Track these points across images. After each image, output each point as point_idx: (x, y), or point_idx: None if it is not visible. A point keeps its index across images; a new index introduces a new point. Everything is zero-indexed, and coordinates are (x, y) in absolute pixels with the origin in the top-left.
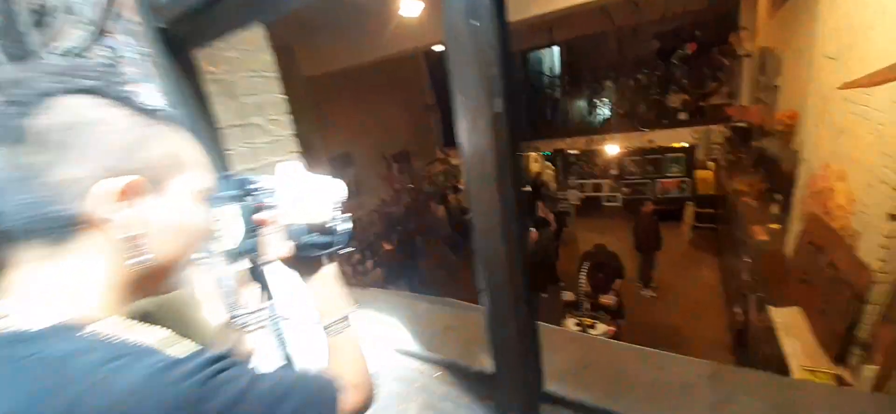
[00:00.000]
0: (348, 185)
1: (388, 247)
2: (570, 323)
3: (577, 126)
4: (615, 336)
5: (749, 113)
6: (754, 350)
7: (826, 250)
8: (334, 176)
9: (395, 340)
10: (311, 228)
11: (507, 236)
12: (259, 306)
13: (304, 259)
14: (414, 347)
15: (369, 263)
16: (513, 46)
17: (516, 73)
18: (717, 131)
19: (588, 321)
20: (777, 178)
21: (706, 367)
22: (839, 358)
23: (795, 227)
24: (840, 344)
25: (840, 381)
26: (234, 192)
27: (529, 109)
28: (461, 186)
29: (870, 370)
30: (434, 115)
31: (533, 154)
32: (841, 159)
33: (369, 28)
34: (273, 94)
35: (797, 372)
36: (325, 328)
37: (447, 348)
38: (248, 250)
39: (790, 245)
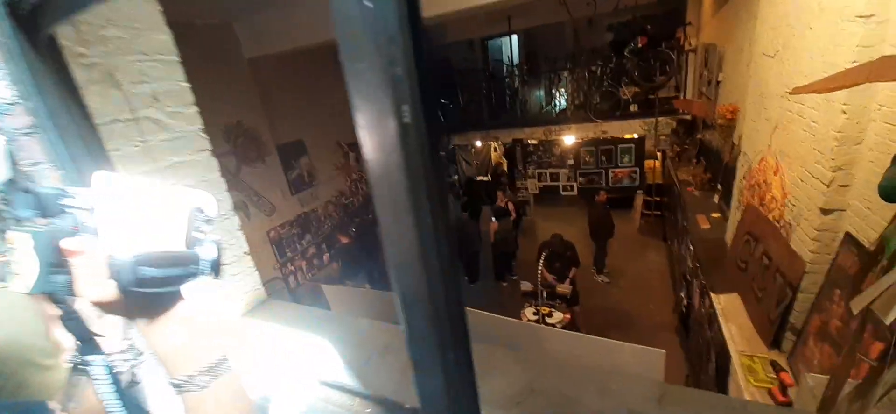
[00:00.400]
0: (302, 175)
1: (344, 240)
2: (529, 312)
3: (535, 116)
4: (570, 323)
5: (693, 106)
6: (698, 334)
7: (762, 240)
8: (287, 166)
9: (322, 367)
10: (155, 260)
11: (428, 276)
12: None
13: (144, 299)
14: (344, 375)
15: (326, 257)
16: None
17: (442, 70)
18: (665, 123)
19: (545, 310)
20: (718, 169)
21: (655, 389)
22: (774, 343)
23: (735, 217)
24: (775, 330)
25: (775, 366)
26: (29, 212)
27: (488, 98)
28: None
29: (812, 379)
30: None
31: (493, 143)
32: (776, 154)
33: (317, 4)
34: (173, 82)
35: (736, 357)
36: (177, 386)
37: (381, 377)
38: (52, 290)
39: (730, 233)
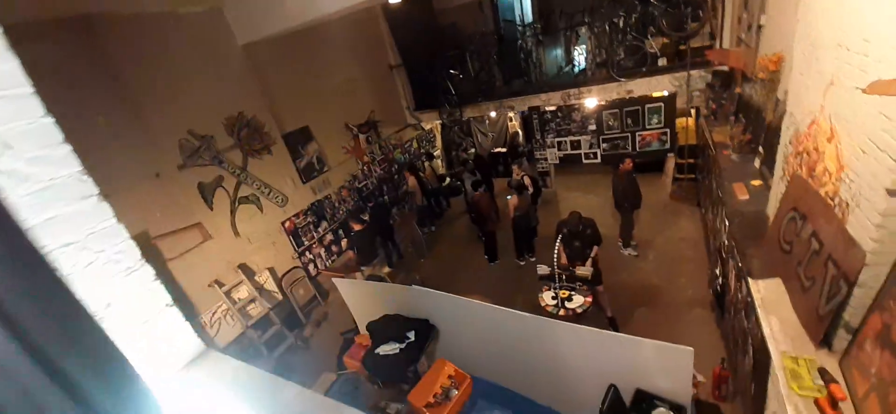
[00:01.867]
0: (312, 162)
1: (357, 227)
2: (547, 297)
3: (552, 80)
4: (593, 306)
5: (730, 57)
6: (734, 319)
7: (811, 219)
8: (295, 154)
9: None
10: None
11: None
12: None
13: None
14: None
15: (344, 242)
16: None
17: (449, 37)
18: (698, 77)
19: (564, 294)
20: (759, 130)
21: None
22: (824, 342)
23: (779, 188)
24: (825, 327)
25: (823, 374)
26: None
27: (501, 63)
28: (435, 152)
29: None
30: (400, 76)
31: (509, 112)
32: (830, 116)
33: None
34: (28, 121)
35: (777, 358)
36: None
37: None
38: None
39: (773, 207)
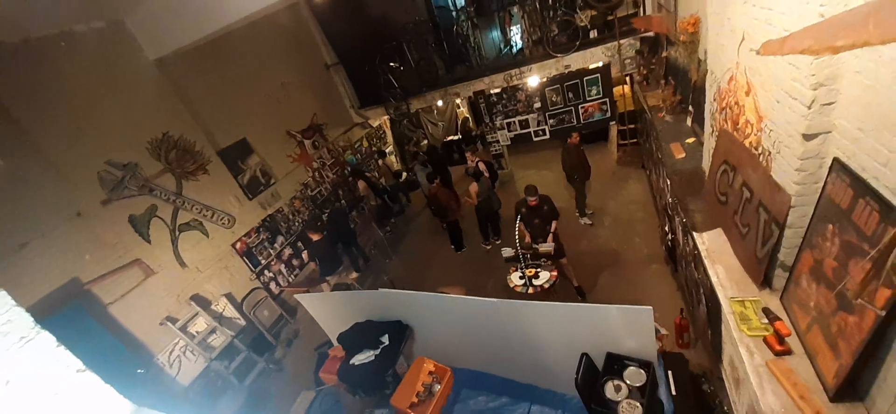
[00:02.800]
0: (256, 176)
1: (315, 237)
2: (515, 277)
3: (493, 63)
4: (560, 279)
5: (653, 22)
6: (685, 271)
7: (740, 170)
8: (235, 170)
9: None
10: None
11: None
12: None
13: None
14: None
15: (305, 254)
16: None
17: (383, 29)
18: (628, 45)
19: (531, 272)
20: (687, 89)
21: None
22: (765, 282)
23: (710, 143)
24: (764, 269)
25: (767, 312)
26: None
27: (441, 51)
28: (387, 149)
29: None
30: (339, 75)
31: (455, 99)
32: (745, 71)
33: None
34: None
35: (726, 304)
36: None
37: None
38: None
39: (706, 162)
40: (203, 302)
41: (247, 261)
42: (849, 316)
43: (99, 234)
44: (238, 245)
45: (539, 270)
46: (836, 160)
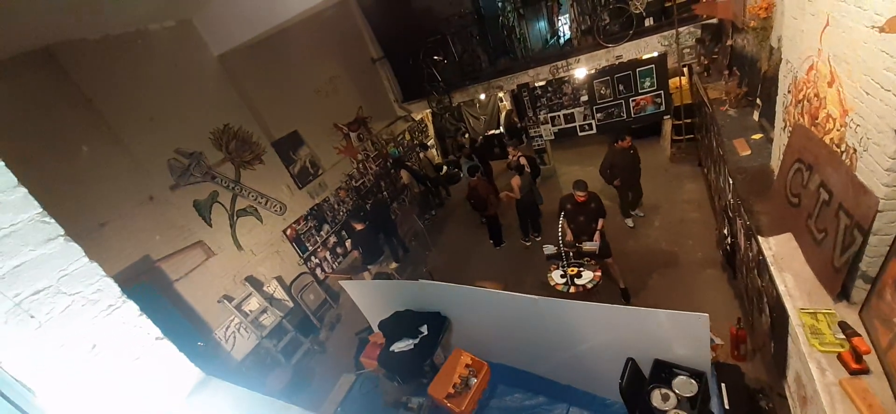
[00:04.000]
0: (306, 166)
1: (358, 227)
2: (556, 275)
3: (538, 54)
4: (603, 279)
5: (717, 8)
6: (747, 279)
7: (817, 169)
8: (287, 160)
9: None
10: None
11: None
12: None
13: None
14: None
15: (348, 243)
16: None
17: (426, 22)
18: (687, 33)
19: (573, 271)
20: (756, 81)
21: None
22: (842, 294)
23: (781, 139)
24: (842, 279)
25: (843, 326)
26: None
27: (484, 43)
28: (429, 142)
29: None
30: (384, 69)
31: (498, 93)
32: (829, 59)
33: None
34: None
35: (794, 316)
36: None
37: None
38: None
39: (776, 160)
40: (256, 283)
41: (295, 246)
42: None
43: (168, 216)
44: (288, 231)
45: (582, 269)
46: None
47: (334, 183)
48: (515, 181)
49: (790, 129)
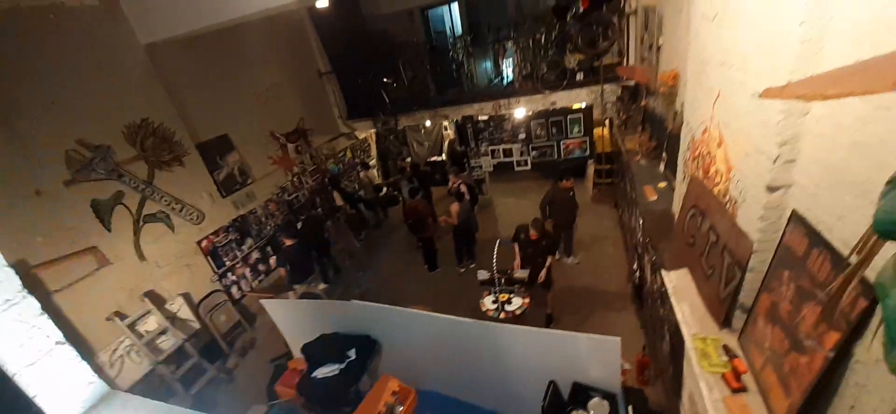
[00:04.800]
0: (233, 174)
1: (288, 242)
2: (488, 301)
3: (483, 90)
4: (532, 307)
5: (636, 73)
6: (652, 309)
7: (708, 215)
8: (213, 165)
9: None
10: None
11: None
12: None
13: None
14: None
15: (272, 260)
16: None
17: (380, 44)
18: (610, 90)
19: (504, 297)
20: (663, 137)
21: None
22: (726, 322)
23: (681, 189)
24: (725, 309)
25: (727, 350)
26: None
27: (434, 73)
28: (371, 162)
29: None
30: (331, 84)
31: (444, 121)
32: (719, 124)
33: None
34: None
35: (689, 340)
36: None
37: None
38: None
39: (677, 205)
40: (157, 300)
41: (211, 260)
42: (800, 356)
43: (56, 215)
44: (204, 243)
45: (512, 295)
46: (794, 212)
47: (264, 194)
48: (454, 207)
49: (688, 180)
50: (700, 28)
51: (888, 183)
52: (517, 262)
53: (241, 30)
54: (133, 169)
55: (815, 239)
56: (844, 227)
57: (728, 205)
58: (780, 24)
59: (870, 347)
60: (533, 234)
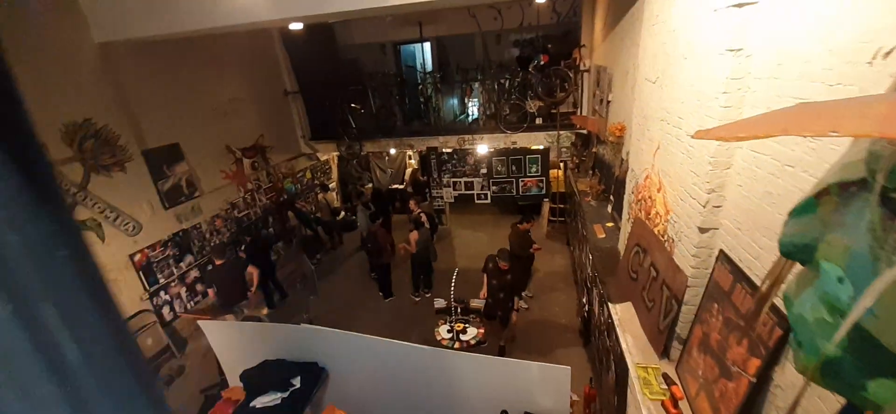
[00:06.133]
0: (179, 185)
1: (218, 262)
2: (443, 330)
3: (448, 125)
4: (484, 339)
5: (588, 122)
6: (598, 341)
7: (649, 252)
8: (158, 174)
9: None
10: None
11: None
12: None
13: None
14: None
15: (199, 286)
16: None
17: (350, 71)
18: (565, 136)
19: (459, 326)
20: (610, 181)
21: None
22: (664, 353)
23: (626, 228)
24: (664, 340)
25: (667, 378)
26: None
27: (401, 104)
28: (331, 185)
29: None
30: (296, 104)
31: (408, 151)
32: (658, 172)
33: None
34: None
35: (632, 369)
36: None
37: None
38: None
39: (622, 243)
40: None
41: (143, 277)
42: (729, 382)
43: None
44: (137, 257)
45: (467, 325)
46: (721, 251)
47: (212, 209)
48: (413, 235)
49: (632, 220)
50: (643, 88)
51: (789, 214)
52: (484, 291)
53: (206, 40)
54: (66, 170)
55: (738, 274)
56: (761, 265)
57: (666, 243)
58: (709, 90)
59: (786, 370)
60: (502, 264)
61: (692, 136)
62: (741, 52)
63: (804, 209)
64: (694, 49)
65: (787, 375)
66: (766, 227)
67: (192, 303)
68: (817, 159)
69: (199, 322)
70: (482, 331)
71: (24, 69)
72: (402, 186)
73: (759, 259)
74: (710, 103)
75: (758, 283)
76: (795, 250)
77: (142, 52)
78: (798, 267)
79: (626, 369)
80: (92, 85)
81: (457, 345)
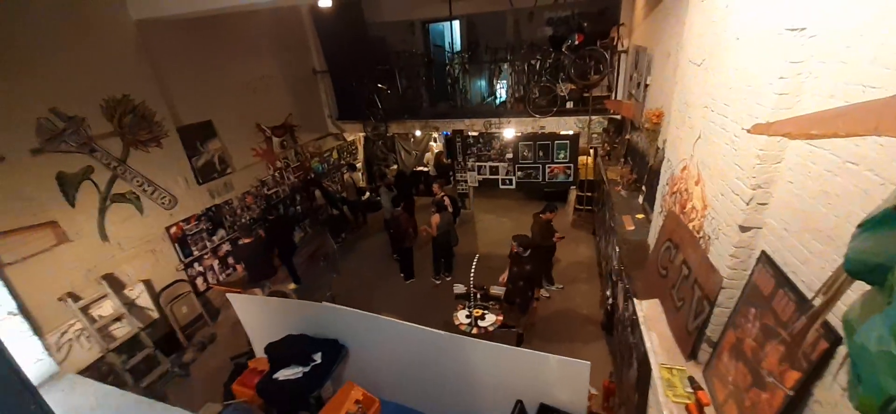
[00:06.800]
0: (212, 162)
1: (246, 240)
2: (461, 315)
3: (475, 107)
4: (505, 325)
5: (622, 107)
6: (621, 335)
7: (682, 249)
8: (192, 150)
9: None
10: None
11: None
12: None
13: None
14: None
15: (232, 259)
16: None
17: (377, 50)
18: (597, 121)
19: (478, 313)
20: (643, 171)
21: None
22: (692, 354)
23: (657, 221)
24: (693, 342)
25: (692, 382)
26: None
27: (429, 84)
28: (357, 165)
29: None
30: (325, 83)
31: (433, 133)
32: (698, 164)
33: None
34: None
35: (656, 369)
36: None
37: None
38: None
39: (653, 237)
40: (116, 284)
41: (178, 248)
42: (762, 393)
43: (16, 185)
44: (173, 229)
45: (486, 311)
46: (763, 253)
47: (243, 186)
48: (435, 219)
49: (665, 213)
50: (686, 71)
51: (859, 226)
52: (504, 276)
53: (238, 17)
54: (107, 145)
55: (782, 280)
56: (809, 270)
57: (701, 241)
58: (762, 75)
59: (830, 387)
60: (514, 246)
61: (748, 131)
62: (804, 31)
63: (881, 222)
64: (748, 29)
65: (832, 394)
66: (819, 230)
67: (223, 275)
68: (887, 158)
69: (228, 295)
70: (501, 318)
71: (67, 47)
72: (426, 168)
73: (806, 264)
74: (763, 90)
75: (803, 290)
76: (865, 270)
77: (176, 28)
78: (861, 285)
79: (650, 368)
80: (130, 62)
81: (475, 330)
